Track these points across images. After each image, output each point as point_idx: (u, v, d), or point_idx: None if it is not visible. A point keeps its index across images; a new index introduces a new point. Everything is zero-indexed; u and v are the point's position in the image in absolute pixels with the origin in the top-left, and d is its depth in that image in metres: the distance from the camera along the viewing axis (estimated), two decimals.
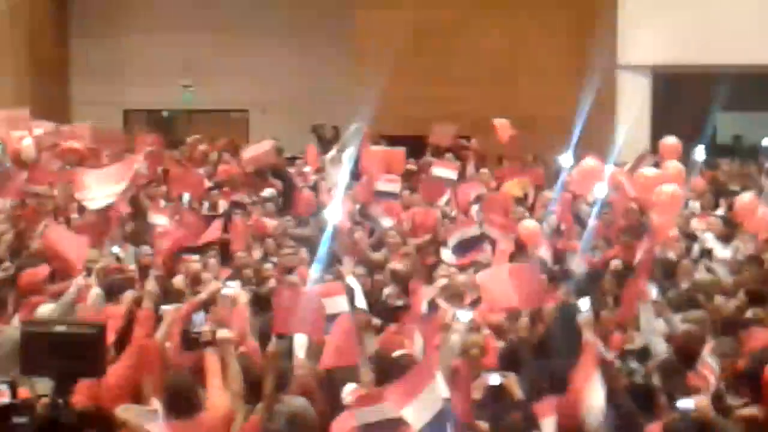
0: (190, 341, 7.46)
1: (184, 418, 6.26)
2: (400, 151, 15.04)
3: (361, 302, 8.91)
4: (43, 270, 9.29)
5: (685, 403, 6.51)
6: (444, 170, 14.48)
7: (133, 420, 5.55)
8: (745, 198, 12.63)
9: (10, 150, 13.57)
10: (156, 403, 6.19)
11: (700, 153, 15.09)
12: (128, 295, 7.80)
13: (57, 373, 4.61)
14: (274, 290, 8.87)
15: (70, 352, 4.56)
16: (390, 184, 13.60)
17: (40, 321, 7.12)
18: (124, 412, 5.53)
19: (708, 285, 9.88)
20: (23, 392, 4.94)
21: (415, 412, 6.04)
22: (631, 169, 13.87)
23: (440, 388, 6.15)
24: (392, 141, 17.08)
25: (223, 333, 7.09)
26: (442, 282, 9.58)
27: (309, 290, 8.46)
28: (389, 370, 6.95)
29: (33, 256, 10.19)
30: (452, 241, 11.38)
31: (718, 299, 9.44)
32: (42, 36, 21.21)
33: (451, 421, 6.15)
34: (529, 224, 12.12)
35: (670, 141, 14.50)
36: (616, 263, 10.72)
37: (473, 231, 11.52)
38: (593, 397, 6.78)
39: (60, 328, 4.81)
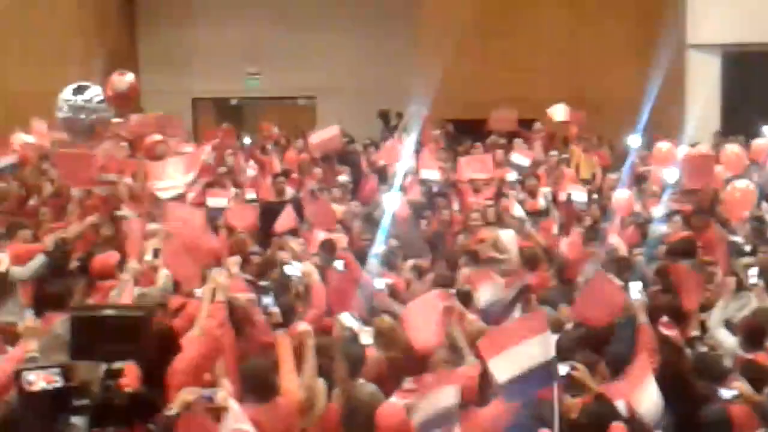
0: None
1: (261, 402, 6.32)
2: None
3: None
4: (114, 256, 9.44)
5: (727, 392, 6.47)
6: (521, 157, 14.42)
7: (199, 401, 5.61)
8: None
9: (144, 145, 13.66)
10: (226, 385, 6.27)
11: None
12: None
13: (106, 357, 4.66)
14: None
15: (119, 336, 4.60)
16: (432, 171, 13.60)
17: (88, 306, 7.21)
18: (188, 394, 5.59)
19: None
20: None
21: (504, 363, 5.97)
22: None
23: (544, 347, 6.01)
24: (457, 125, 17.10)
25: (303, 326, 7.11)
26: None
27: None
28: None
29: (104, 243, 10.40)
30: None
31: None
32: (110, 27, 21.47)
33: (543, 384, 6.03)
34: (622, 193, 12.06)
35: (732, 149, 14.11)
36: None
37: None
38: (647, 385, 6.70)
39: (109, 312, 4.85)
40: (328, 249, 10.51)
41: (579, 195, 13.02)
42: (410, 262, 10.44)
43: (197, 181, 12.09)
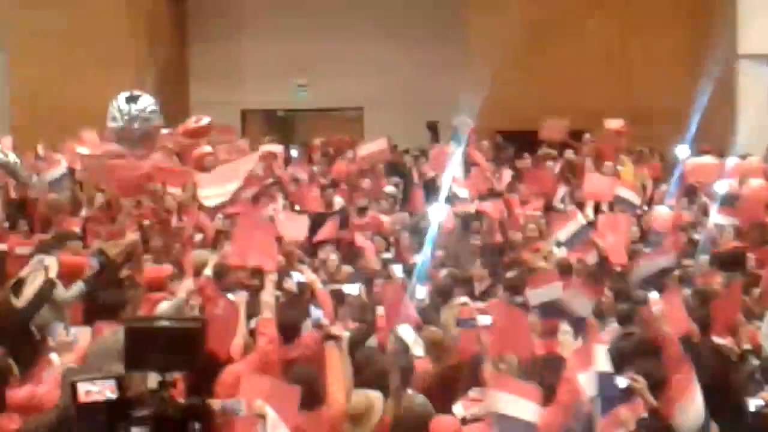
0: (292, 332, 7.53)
1: (306, 410, 6.34)
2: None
3: None
4: (166, 269, 9.50)
5: (755, 403, 6.40)
6: None
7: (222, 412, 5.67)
8: None
9: (193, 157, 13.71)
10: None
11: None
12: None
13: (160, 368, 4.70)
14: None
15: (172, 347, 4.65)
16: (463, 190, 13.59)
17: (143, 317, 7.29)
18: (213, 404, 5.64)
19: None
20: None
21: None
22: None
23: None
24: (506, 136, 17.04)
25: (338, 330, 7.13)
26: None
27: None
28: None
29: (155, 254, 10.48)
30: (562, 234, 11.31)
31: None
32: (161, 40, 21.65)
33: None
34: (662, 211, 12.03)
35: None
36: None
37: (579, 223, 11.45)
38: (691, 396, 6.61)
39: (163, 323, 4.90)
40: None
41: (626, 192, 12.87)
42: (444, 271, 10.42)
43: (245, 191, 12.12)
